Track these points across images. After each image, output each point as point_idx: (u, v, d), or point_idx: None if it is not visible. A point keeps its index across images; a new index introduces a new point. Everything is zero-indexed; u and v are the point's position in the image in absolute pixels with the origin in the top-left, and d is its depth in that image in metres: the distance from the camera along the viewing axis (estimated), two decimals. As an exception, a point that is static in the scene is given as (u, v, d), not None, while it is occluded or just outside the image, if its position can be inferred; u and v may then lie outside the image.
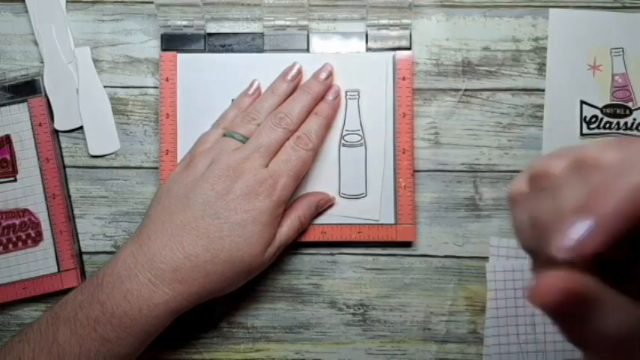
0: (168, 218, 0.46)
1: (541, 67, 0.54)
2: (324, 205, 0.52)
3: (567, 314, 0.23)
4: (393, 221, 0.52)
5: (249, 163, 0.47)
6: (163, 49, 0.53)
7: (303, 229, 0.51)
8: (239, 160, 0.47)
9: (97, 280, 0.45)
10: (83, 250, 0.54)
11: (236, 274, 0.46)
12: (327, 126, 0.51)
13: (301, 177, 0.49)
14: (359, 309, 0.53)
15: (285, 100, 0.51)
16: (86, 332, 0.44)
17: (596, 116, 0.53)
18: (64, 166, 0.54)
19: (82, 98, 0.54)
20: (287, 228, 0.49)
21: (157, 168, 0.53)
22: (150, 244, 0.45)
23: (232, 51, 0.53)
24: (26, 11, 0.54)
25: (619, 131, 0.53)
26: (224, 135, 0.49)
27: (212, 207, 0.46)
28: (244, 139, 0.48)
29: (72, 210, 0.54)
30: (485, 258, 0.53)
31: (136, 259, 0.45)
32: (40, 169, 0.52)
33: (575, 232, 0.22)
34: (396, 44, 0.53)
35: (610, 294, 0.23)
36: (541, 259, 0.25)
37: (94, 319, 0.44)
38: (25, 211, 0.52)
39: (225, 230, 0.45)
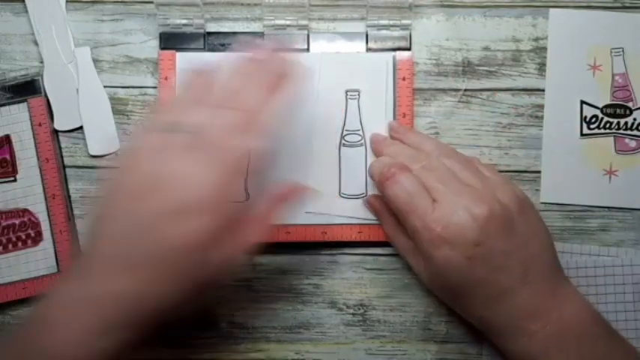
0: (102, 245, 0.40)
1: (541, 67, 0.54)
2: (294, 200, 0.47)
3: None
4: (393, 221, 0.52)
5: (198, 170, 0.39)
6: (162, 48, 0.53)
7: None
8: (187, 167, 0.39)
9: (31, 319, 0.40)
10: (83, 250, 0.54)
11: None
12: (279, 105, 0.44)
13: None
14: (359, 309, 0.53)
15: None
16: None
17: (596, 116, 0.53)
18: (64, 166, 0.54)
19: (82, 98, 0.54)
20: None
21: (156, 168, 0.53)
22: (83, 281, 0.39)
23: (232, 50, 0.53)
24: (26, 11, 0.54)
25: (619, 131, 0.53)
26: (169, 129, 0.41)
27: (148, 228, 0.39)
28: (196, 133, 0.40)
29: (72, 210, 0.54)
30: (486, 258, 0.53)
31: (73, 296, 0.39)
32: (40, 169, 0.52)
33: None
34: (396, 44, 0.53)
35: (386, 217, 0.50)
36: None
37: None
38: (25, 211, 0.52)
39: (165, 259, 0.38)
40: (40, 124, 0.53)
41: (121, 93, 0.54)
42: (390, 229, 0.50)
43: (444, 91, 0.54)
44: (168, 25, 0.53)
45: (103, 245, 0.39)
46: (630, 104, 0.53)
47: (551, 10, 0.54)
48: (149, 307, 0.39)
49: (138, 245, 0.38)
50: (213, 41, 0.53)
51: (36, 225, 0.52)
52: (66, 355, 0.37)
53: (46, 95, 0.53)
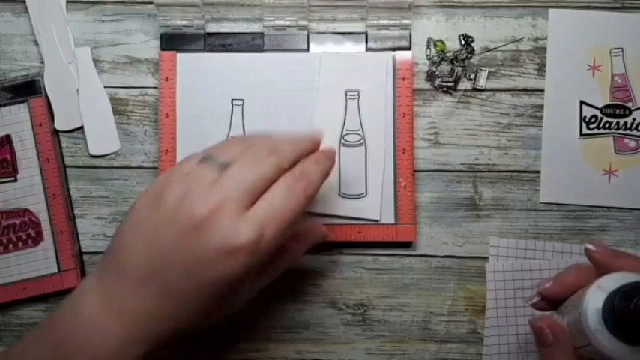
0: (130, 261, 0.40)
1: (541, 68, 0.54)
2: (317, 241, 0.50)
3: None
4: (393, 221, 0.52)
5: (224, 210, 0.38)
6: (163, 49, 0.53)
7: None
8: (212, 204, 0.38)
9: (58, 332, 0.40)
10: (83, 250, 0.54)
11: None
12: (323, 180, 0.43)
13: (291, 227, 0.40)
14: (359, 309, 0.54)
15: None
16: None
17: (595, 116, 0.53)
18: (65, 166, 0.54)
19: (82, 98, 0.54)
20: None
21: (157, 168, 0.53)
22: (112, 290, 0.40)
23: (232, 51, 0.53)
24: (26, 11, 0.54)
25: (618, 131, 0.53)
26: (201, 159, 0.41)
27: (179, 260, 0.38)
28: (224, 165, 0.40)
29: (72, 210, 0.54)
30: (485, 258, 0.53)
31: (101, 311, 0.39)
32: (41, 169, 0.52)
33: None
34: (396, 44, 0.53)
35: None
36: None
37: None
38: (26, 211, 0.52)
39: (192, 287, 0.39)
40: (40, 124, 0.53)
41: (122, 93, 0.54)
42: None
43: (443, 91, 0.54)
44: (169, 25, 0.53)
45: (136, 259, 0.40)
46: (629, 104, 0.53)
47: (551, 10, 0.54)
48: (171, 326, 0.40)
49: (176, 270, 0.39)
50: (214, 42, 0.53)
51: (36, 225, 0.52)
52: None
53: (46, 95, 0.53)
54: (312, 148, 0.44)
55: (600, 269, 0.40)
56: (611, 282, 0.36)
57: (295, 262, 0.48)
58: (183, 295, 0.39)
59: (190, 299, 0.39)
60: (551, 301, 0.43)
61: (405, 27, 0.53)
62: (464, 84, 0.54)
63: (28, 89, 0.53)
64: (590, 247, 0.40)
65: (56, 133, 0.54)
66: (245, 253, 0.38)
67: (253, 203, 0.39)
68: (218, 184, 0.39)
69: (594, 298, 0.36)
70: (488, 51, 0.54)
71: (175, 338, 0.41)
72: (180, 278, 0.39)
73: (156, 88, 0.54)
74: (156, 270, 0.39)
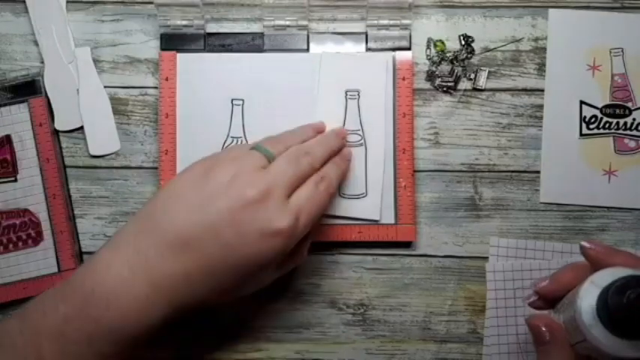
0: (171, 226, 0.42)
1: (541, 68, 0.54)
2: None
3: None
4: (393, 221, 0.52)
5: (272, 195, 0.42)
6: (163, 49, 0.53)
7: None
8: (262, 188, 0.42)
9: (84, 291, 0.41)
10: (83, 250, 0.54)
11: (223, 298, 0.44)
12: (340, 178, 0.49)
13: (316, 220, 0.46)
14: (359, 309, 0.54)
15: None
16: (79, 349, 0.40)
17: (595, 116, 0.53)
18: (65, 166, 0.54)
19: (82, 98, 0.54)
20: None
21: (157, 168, 0.53)
22: (145, 250, 0.41)
23: (232, 51, 0.53)
24: (26, 11, 0.54)
25: (618, 131, 0.53)
26: (251, 147, 0.46)
27: (223, 233, 0.41)
28: (271, 156, 0.45)
29: (72, 210, 0.54)
30: (485, 258, 0.53)
31: (132, 270, 0.41)
32: (41, 169, 0.53)
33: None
34: (396, 44, 0.53)
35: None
36: None
37: (88, 336, 0.40)
38: (26, 211, 0.52)
39: (229, 261, 0.42)
40: (40, 124, 0.53)
41: (121, 93, 0.54)
42: None
43: (443, 91, 0.54)
44: (169, 25, 0.53)
45: (178, 224, 0.42)
46: (629, 104, 0.53)
47: (551, 10, 0.54)
48: (195, 296, 0.42)
49: (217, 243, 0.41)
50: (214, 42, 0.53)
51: (36, 225, 0.52)
52: (125, 331, 0.41)
53: (46, 95, 0.53)
54: (339, 146, 0.49)
55: (596, 266, 0.40)
56: (605, 277, 0.36)
57: (302, 261, 0.49)
58: (216, 268, 0.41)
59: (222, 273, 0.42)
60: (548, 299, 0.43)
61: (405, 27, 0.53)
62: (464, 84, 0.54)
63: (28, 89, 0.53)
64: (586, 244, 0.41)
65: (56, 133, 0.54)
66: (283, 237, 0.42)
67: (290, 195, 0.43)
68: (267, 171, 0.43)
69: (588, 293, 0.36)
70: (488, 51, 0.54)
71: (193, 310, 0.43)
72: (220, 251, 0.41)
73: (156, 88, 0.54)
74: (196, 239, 0.41)
